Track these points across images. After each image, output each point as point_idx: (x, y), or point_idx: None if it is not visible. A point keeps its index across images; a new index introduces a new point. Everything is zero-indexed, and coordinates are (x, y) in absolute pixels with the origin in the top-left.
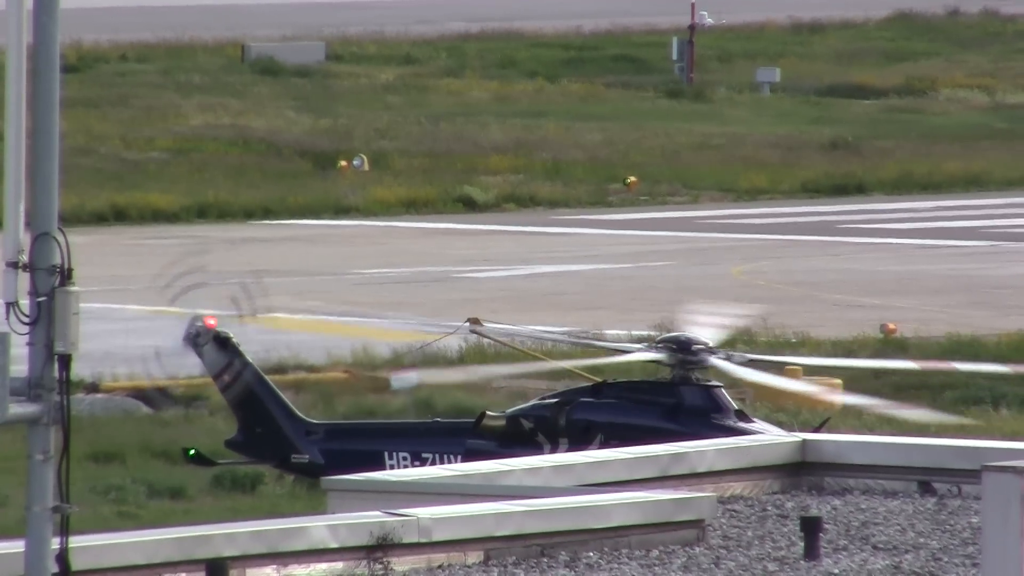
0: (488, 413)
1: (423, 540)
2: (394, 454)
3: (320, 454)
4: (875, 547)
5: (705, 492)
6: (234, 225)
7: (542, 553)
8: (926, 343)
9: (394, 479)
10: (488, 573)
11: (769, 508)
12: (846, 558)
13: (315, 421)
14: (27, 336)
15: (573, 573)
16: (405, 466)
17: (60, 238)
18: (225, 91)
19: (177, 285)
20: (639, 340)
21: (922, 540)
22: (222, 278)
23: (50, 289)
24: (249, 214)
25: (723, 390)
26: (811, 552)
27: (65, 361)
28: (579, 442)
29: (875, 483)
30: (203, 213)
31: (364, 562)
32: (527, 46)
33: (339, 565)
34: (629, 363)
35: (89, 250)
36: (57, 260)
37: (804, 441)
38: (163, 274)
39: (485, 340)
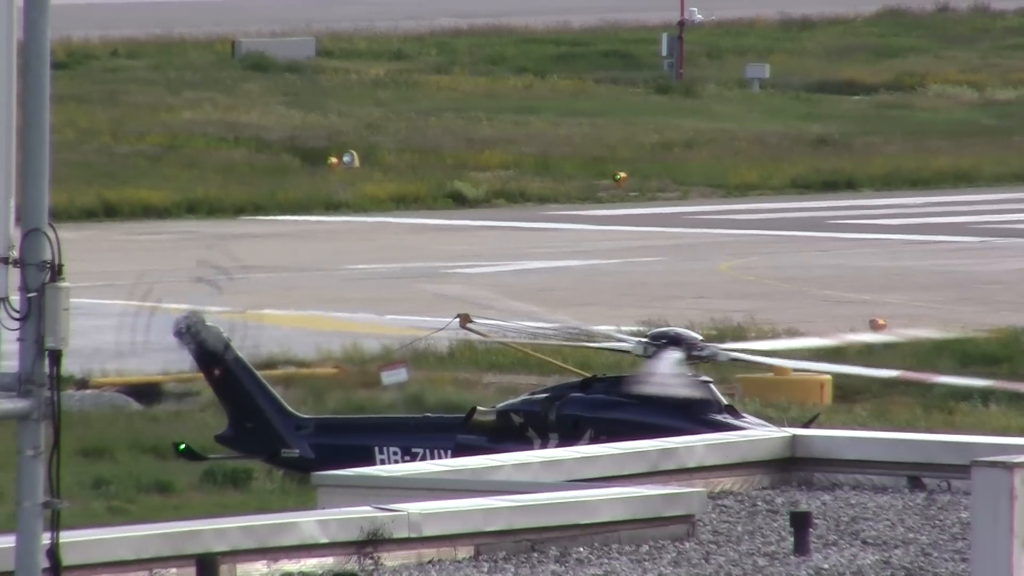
0: (478, 408)
1: (413, 535)
2: (384, 449)
3: (310, 449)
4: (865, 542)
5: (695, 488)
6: (224, 221)
7: (532, 548)
8: (917, 342)
9: (384, 474)
10: (478, 568)
11: (759, 503)
12: (836, 553)
13: (305, 416)
14: (17, 332)
15: (563, 568)
16: (395, 461)
17: (50, 234)
18: (215, 87)
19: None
20: (629, 335)
21: (912, 535)
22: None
23: (40, 285)
24: (239, 210)
25: (712, 385)
26: (801, 547)
27: (55, 357)
28: (569, 437)
29: (865, 478)
30: (193, 209)
31: (354, 557)
32: (516, 42)
33: (329, 560)
34: (619, 357)
35: (79, 246)
36: (47, 256)
37: (794, 437)
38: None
39: (475, 336)
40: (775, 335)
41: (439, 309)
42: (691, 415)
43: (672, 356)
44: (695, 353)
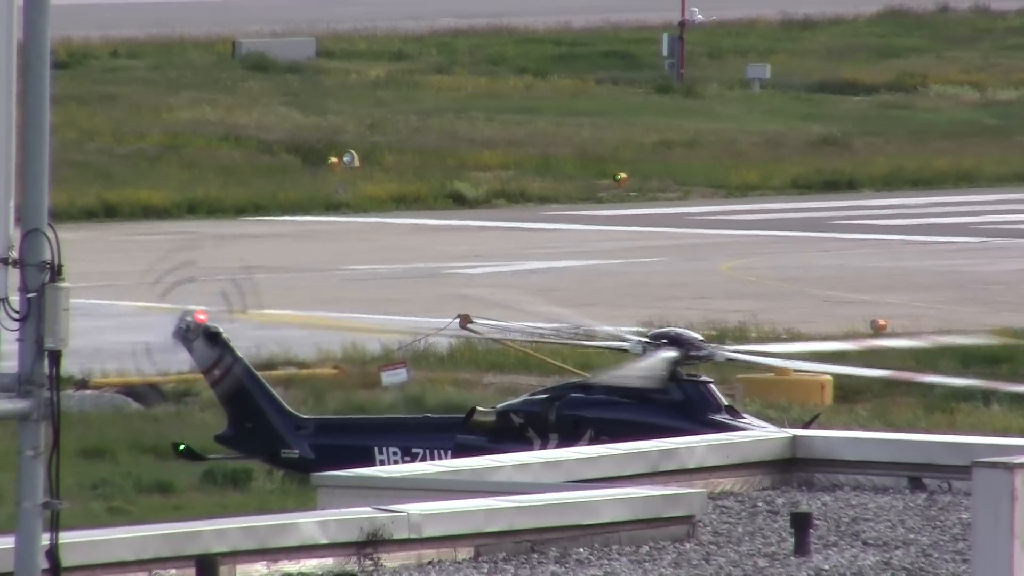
0: (478, 408)
1: (413, 536)
2: (384, 449)
3: (310, 449)
4: (865, 543)
5: (695, 488)
6: (224, 221)
7: (532, 549)
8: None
9: (384, 475)
10: (478, 569)
11: (759, 504)
12: (836, 554)
13: (305, 416)
14: (17, 332)
15: (563, 569)
16: (395, 461)
17: (50, 234)
18: (215, 87)
19: (167, 281)
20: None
21: (912, 536)
22: (212, 274)
23: (40, 285)
24: (239, 210)
25: (713, 385)
26: (801, 548)
27: (55, 357)
28: (569, 437)
29: (865, 479)
30: (193, 209)
31: (354, 558)
32: (517, 42)
33: (329, 561)
34: (619, 358)
35: (79, 246)
36: (47, 256)
37: (794, 437)
38: (153, 270)
39: (475, 336)
40: (777, 336)
41: (441, 309)
42: (691, 415)
43: (662, 355)
44: (693, 353)
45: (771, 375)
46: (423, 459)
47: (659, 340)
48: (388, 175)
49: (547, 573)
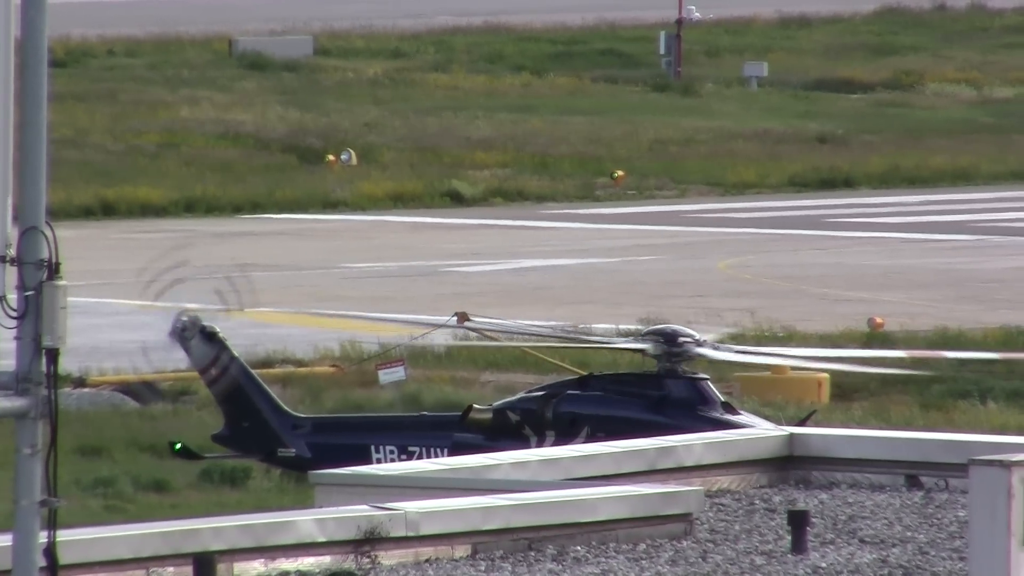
0: (475, 406)
1: (411, 534)
2: (381, 448)
3: (307, 448)
4: (862, 541)
5: (692, 486)
6: (222, 219)
7: (529, 547)
8: (913, 337)
9: (381, 473)
10: (475, 567)
11: (756, 502)
12: (833, 552)
13: (301, 415)
14: (15, 330)
15: (560, 567)
16: (392, 460)
17: (48, 232)
18: (213, 85)
19: (161, 280)
20: (626, 333)
21: (909, 534)
22: (209, 272)
23: (38, 283)
24: (237, 208)
25: (709, 382)
26: (798, 546)
27: (52, 355)
28: (566, 435)
29: (862, 477)
30: (191, 207)
31: (352, 556)
32: (514, 40)
33: (327, 559)
34: (616, 356)
35: (76, 244)
36: (45, 254)
37: (791, 435)
38: (147, 269)
39: (472, 334)
40: (774, 334)
41: (438, 307)
42: (688, 412)
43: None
44: (675, 350)
45: (768, 373)
46: (420, 457)
47: (655, 337)
48: (386, 173)
49: (544, 571)
